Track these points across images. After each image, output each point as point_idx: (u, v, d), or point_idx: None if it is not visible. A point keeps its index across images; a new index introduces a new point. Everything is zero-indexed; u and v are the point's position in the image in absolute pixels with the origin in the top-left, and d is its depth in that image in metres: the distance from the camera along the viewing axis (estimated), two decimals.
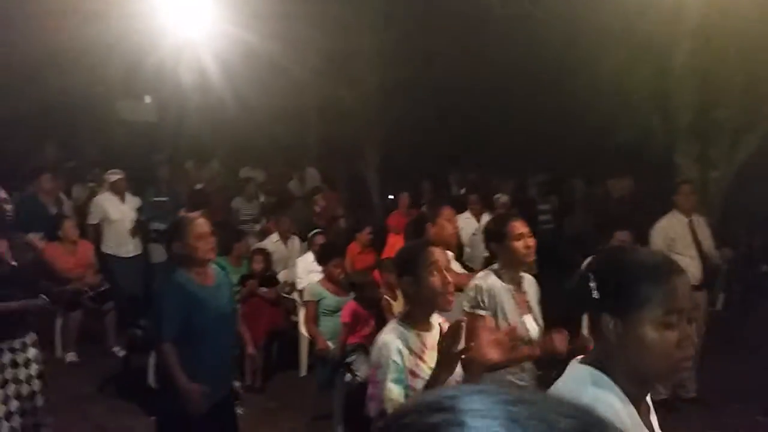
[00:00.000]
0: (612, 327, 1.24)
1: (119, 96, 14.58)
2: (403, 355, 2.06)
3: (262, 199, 7.85)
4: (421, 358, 2.09)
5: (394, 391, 1.97)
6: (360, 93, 8.67)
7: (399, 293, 4.47)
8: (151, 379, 4.42)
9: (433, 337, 2.15)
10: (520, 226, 2.83)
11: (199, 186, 7.45)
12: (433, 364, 2.03)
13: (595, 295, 1.27)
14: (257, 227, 7.17)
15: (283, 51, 7.74)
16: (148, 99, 16.00)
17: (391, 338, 2.12)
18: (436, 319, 2.25)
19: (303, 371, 5.18)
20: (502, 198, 6.85)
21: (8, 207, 3.36)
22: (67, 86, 13.04)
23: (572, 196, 7.61)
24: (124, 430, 4.27)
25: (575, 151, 8.28)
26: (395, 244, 5.58)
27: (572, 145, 8.34)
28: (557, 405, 0.53)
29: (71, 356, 5.38)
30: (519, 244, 2.77)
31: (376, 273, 4.88)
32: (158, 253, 6.39)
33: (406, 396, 1.98)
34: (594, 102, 6.57)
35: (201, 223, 3.02)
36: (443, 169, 9.73)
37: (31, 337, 3.39)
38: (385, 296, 4.42)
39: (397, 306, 4.47)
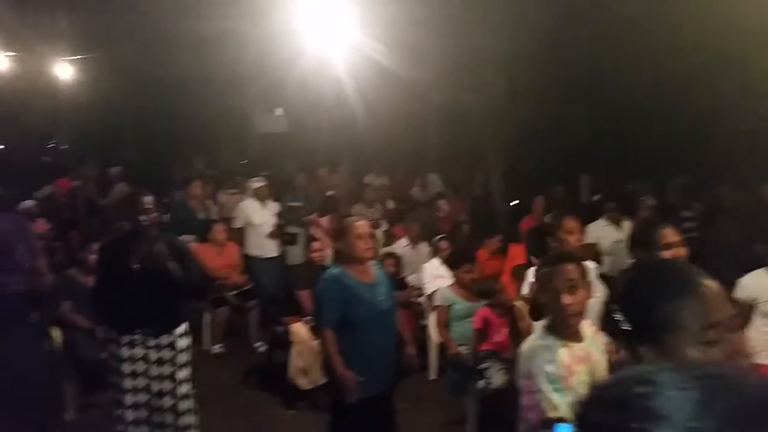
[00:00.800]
0: (652, 358, 1.12)
1: (254, 109, 15.54)
2: (554, 365, 2.04)
3: (390, 204, 8.04)
4: (570, 370, 2.04)
5: (557, 400, 1.95)
6: (485, 97, 8.59)
7: None
8: (291, 373, 4.68)
9: (583, 348, 2.10)
10: (670, 235, 2.67)
11: (330, 192, 7.77)
12: (584, 376, 1.99)
13: (625, 326, 1.17)
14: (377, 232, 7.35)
15: (408, 57, 7.87)
16: (279, 111, 16.95)
17: (538, 347, 2.10)
18: (590, 328, 2.19)
19: (432, 374, 5.23)
20: (649, 201, 6.46)
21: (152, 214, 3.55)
22: (209, 101, 14.15)
23: (718, 202, 7.04)
24: (266, 420, 4.56)
25: (720, 153, 7.68)
26: (517, 253, 5.50)
27: (717, 146, 7.75)
28: (745, 377, 0.60)
29: (218, 349, 5.82)
30: (667, 255, 2.61)
31: (506, 279, 4.85)
32: (294, 255, 6.75)
33: (567, 404, 1.94)
34: (745, 102, 6.06)
35: (361, 225, 3.37)
36: (572, 173, 9.41)
37: (183, 327, 3.62)
38: (518, 303, 4.37)
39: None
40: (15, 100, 11.59)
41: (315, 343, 4.61)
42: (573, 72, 8.36)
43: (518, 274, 4.45)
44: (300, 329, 4.77)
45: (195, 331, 4.22)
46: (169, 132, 12.89)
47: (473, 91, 8.71)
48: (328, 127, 11.75)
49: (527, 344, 2.22)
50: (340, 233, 3.42)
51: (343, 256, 3.37)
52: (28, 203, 6.55)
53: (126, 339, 3.37)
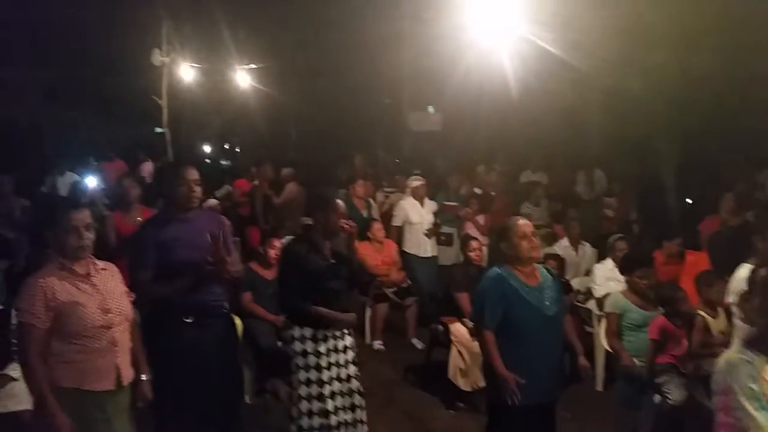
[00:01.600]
0: None
1: (408, 108, 15.77)
2: (756, 381, 1.82)
3: (546, 203, 7.74)
4: None
5: (760, 419, 1.74)
6: (657, 81, 7.86)
7: (720, 311, 3.98)
8: (451, 373, 4.68)
9: None
10: None
11: (483, 190, 7.64)
12: None
13: None
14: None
15: (572, 40, 7.41)
16: (431, 109, 17.06)
17: (739, 362, 1.91)
18: None
19: (599, 385, 4.94)
20: None
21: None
22: (366, 102, 14.65)
23: None
24: (428, 419, 4.58)
25: None
26: (698, 258, 4.97)
27: None
28: None
29: (378, 344, 5.99)
30: None
31: (685, 285, 4.42)
32: (446, 256, 6.75)
33: None
34: None
35: (525, 224, 3.26)
36: (754, 166, 8.35)
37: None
38: (701, 313, 3.97)
39: (716, 325, 3.97)
40: (198, 107, 12.95)
41: (475, 344, 4.57)
42: (759, 50, 7.37)
43: (704, 282, 4.04)
44: (460, 329, 4.75)
45: (357, 327, 4.39)
46: (331, 132, 13.56)
47: (643, 75, 8.01)
48: (482, 124, 11.59)
49: (725, 358, 2.04)
50: (502, 233, 3.32)
51: (507, 257, 3.27)
52: (211, 201, 7.22)
53: (321, 334, 3.53)
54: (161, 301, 3.18)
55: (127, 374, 2.76)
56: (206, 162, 13.77)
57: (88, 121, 32.43)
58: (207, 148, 22.63)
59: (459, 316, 4.83)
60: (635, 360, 3.98)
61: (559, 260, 5.44)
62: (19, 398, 3.46)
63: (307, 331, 3.55)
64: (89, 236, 2.67)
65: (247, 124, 16.12)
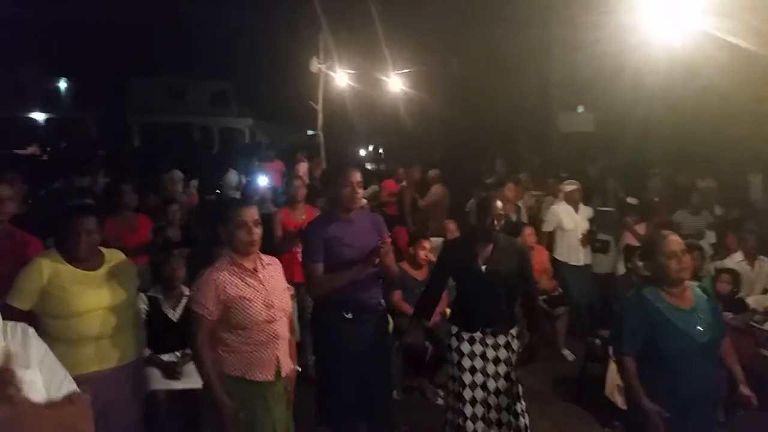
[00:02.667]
0: None
1: (557, 108, 15.22)
2: None
3: (718, 211, 7.04)
4: None
5: None
6: None
7: None
8: (608, 390, 4.44)
9: None
10: None
11: (644, 197, 7.13)
12: None
13: None
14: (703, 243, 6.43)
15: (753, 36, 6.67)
16: (581, 109, 16.32)
17: None
18: None
19: None
20: None
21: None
22: (513, 102, 14.35)
23: None
24: None
25: None
26: None
27: None
28: None
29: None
30: None
31: None
32: (601, 264, 6.41)
33: None
34: None
35: (673, 241, 2.91)
36: None
37: (516, 329, 3.68)
38: None
39: None
40: (350, 110, 13.52)
41: None
42: None
43: None
44: None
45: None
46: (476, 134, 13.47)
47: None
48: (641, 125, 10.86)
49: None
50: (648, 250, 2.99)
51: (653, 277, 2.95)
52: (362, 201, 7.48)
53: (467, 335, 3.56)
54: (322, 298, 3.36)
55: (286, 366, 2.94)
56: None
57: (251, 125, 35.37)
58: (361, 151, 23.58)
59: None
60: None
61: (734, 275, 4.94)
62: (194, 378, 3.81)
63: (454, 328, 3.65)
64: (257, 232, 2.85)
65: (393, 127, 16.51)
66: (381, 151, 27.69)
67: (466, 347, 3.56)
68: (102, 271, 3.05)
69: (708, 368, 2.88)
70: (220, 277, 2.76)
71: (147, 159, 15.88)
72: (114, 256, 3.17)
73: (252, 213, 2.86)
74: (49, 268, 2.91)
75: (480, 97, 13.59)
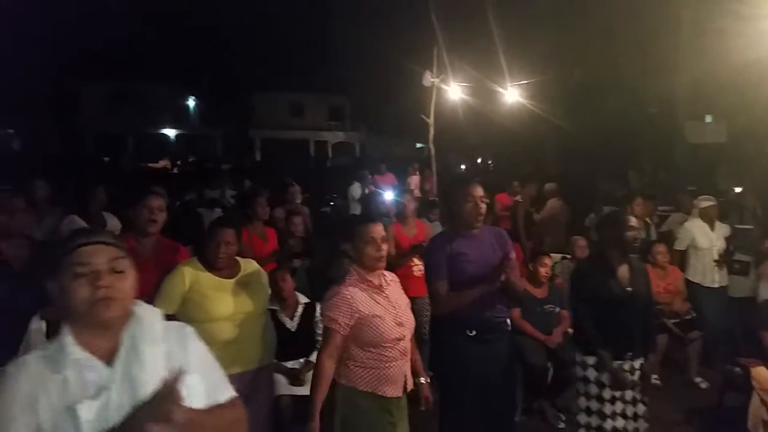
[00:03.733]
0: None
1: (684, 117, 14.29)
2: None
3: None
4: None
5: None
6: None
7: None
8: (750, 423, 4.05)
9: None
10: None
11: None
12: None
13: None
14: None
15: None
16: (709, 119, 15.19)
17: None
18: None
19: None
20: None
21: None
22: (633, 113, 13.64)
23: None
24: None
25: None
26: None
27: None
28: None
29: (653, 378, 5.45)
30: None
31: None
32: (739, 287, 5.87)
33: None
34: None
35: None
36: None
37: (641, 361, 3.46)
38: None
39: None
40: (462, 123, 13.49)
41: None
42: None
43: None
44: (764, 375, 4.09)
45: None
46: (593, 146, 12.94)
47: None
48: None
49: None
50: None
51: None
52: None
53: (591, 360, 3.40)
54: (444, 315, 3.32)
55: (410, 381, 2.94)
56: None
57: (362, 138, 36.38)
58: (462, 165, 23.48)
59: (764, 358, 4.16)
60: None
61: None
62: None
63: (590, 359, 3.42)
64: (385, 248, 2.89)
65: (506, 139, 16.26)
66: (490, 162, 27.33)
67: (607, 379, 3.37)
68: (238, 279, 3.24)
69: None
70: (353, 294, 2.80)
71: (267, 172, 16.77)
72: (249, 266, 3.35)
73: (380, 229, 2.90)
74: (190, 275, 3.13)
75: (600, 107, 13.05)
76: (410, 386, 2.93)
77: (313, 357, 3.99)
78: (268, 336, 3.38)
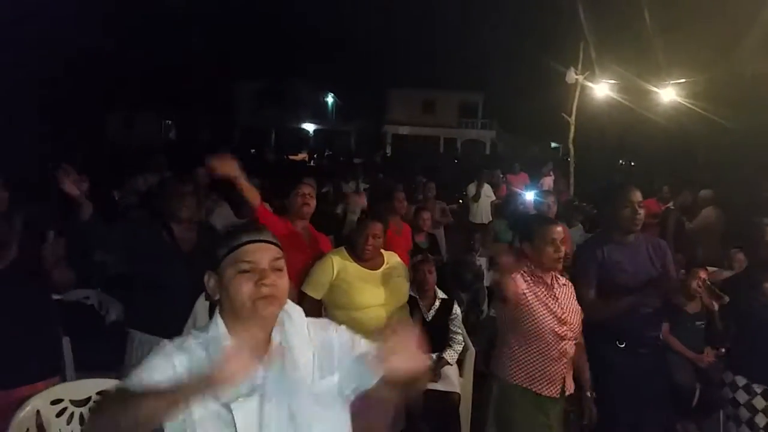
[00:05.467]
0: None
1: None
2: None
3: None
4: None
5: None
6: None
7: None
8: None
9: None
10: None
11: None
12: None
13: None
14: None
15: None
16: None
17: None
18: None
19: None
20: None
21: None
22: None
23: None
24: None
25: None
26: None
27: None
28: None
29: None
30: None
31: None
32: None
33: None
34: None
35: None
36: None
37: None
38: None
39: None
40: (607, 123, 12.86)
41: None
42: None
43: None
44: None
45: None
46: (759, 149, 11.69)
47: None
48: None
49: None
50: None
51: None
52: None
53: (760, 388, 3.12)
54: (595, 324, 3.18)
55: (570, 386, 2.89)
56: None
57: (494, 136, 35.87)
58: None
59: None
60: None
61: None
62: (450, 381, 3.94)
63: (740, 380, 3.15)
64: (563, 249, 2.87)
65: (654, 140, 15.21)
66: (632, 164, 25.76)
67: (760, 403, 3.08)
68: (382, 270, 3.34)
69: None
70: (521, 282, 2.81)
71: (398, 168, 17.04)
72: (392, 258, 3.44)
73: (560, 231, 2.90)
74: (338, 264, 3.28)
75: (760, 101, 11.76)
76: (569, 390, 2.89)
77: (447, 354, 4.02)
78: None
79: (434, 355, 4.17)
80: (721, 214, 7.28)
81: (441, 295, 4.40)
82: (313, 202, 3.61)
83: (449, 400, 3.85)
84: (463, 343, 4.10)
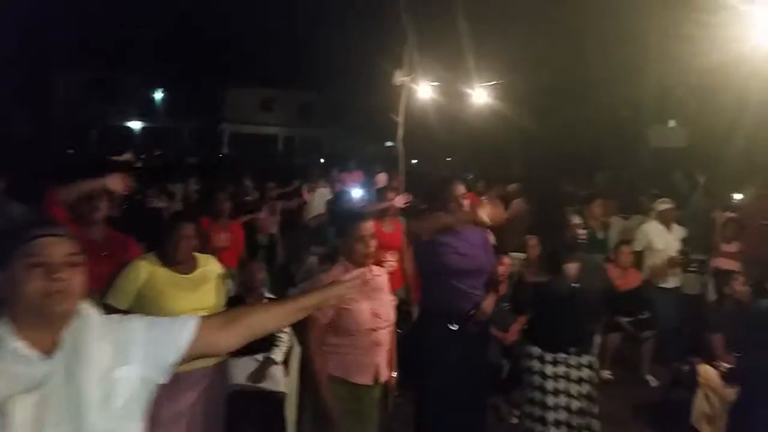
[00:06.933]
0: None
1: (649, 122, 14.59)
2: None
3: None
4: None
5: None
6: None
7: None
8: (694, 418, 4.21)
9: None
10: None
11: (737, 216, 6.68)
12: None
13: None
14: None
15: None
16: (672, 123, 15.55)
17: None
18: None
19: None
20: None
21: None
22: (599, 117, 13.87)
23: None
24: None
25: None
26: None
27: None
28: None
29: (606, 374, 5.62)
30: None
31: None
32: (693, 285, 6.13)
33: None
34: None
35: None
36: None
37: (591, 358, 3.58)
38: None
39: None
40: (430, 123, 13.56)
41: (727, 391, 4.07)
42: None
43: None
44: (710, 372, 4.25)
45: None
46: (561, 148, 13.14)
47: None
48: (744, 142, 10.24)
49: None
50: None
51: None
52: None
53: (551, 356, 3.49)
54: (426, 308, 3.46)
55: (385, 373, 3.04)
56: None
57: (333, 136, 36.25)
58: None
59: (709, 357, 4.33)
60: None
61: None
62: (275, 381, 3.95)
63: (536, 350, 3.52)
64: (374, 244, 3.00)
65: (474, 140, 16.42)
66: (449, 159, 27.42)
67: (550, 369, 3.46)
68: (195, 275, 3.22)
69: None
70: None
71: (233, 167, 16.58)
72: (207, 261, 3.33)
73: (370, 226, 3.02)
74: (146, 271, 3.10)
75: (569, 110, 13.26)
76: (383, 378, 3.03)
77: (274, 354, 4.02)
78: None
79: (261, 356, 4.16)
80: (527, 206, 8.07)
81: (269, 295, 4.39)
82: (105, 206, 3.40)
83: (274, 399, 3.87)
84: (289, 342, 4.12)
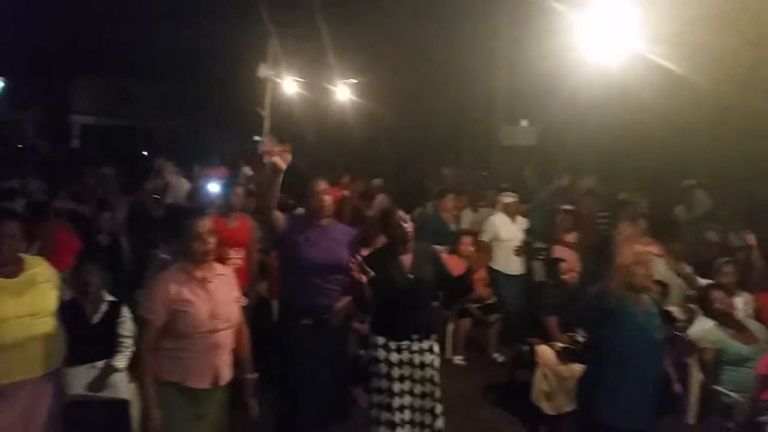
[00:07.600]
0: None
1: (502, 121, 15.53)
2: None
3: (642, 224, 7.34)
4: None
5: None
6: None
7: None
8: (534, 396, 4.57)
9: None
10: None
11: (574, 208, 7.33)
12: None
13: None
14: None
15: (687, 57, 7.04)
16: (524, 123, 16.69)
17: None
18: None
19: (691, 418, 4.63)
20: None
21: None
22: (457, 116, 14.55)
23: None
24: None
25: None
26: None
27: None
28: None
29: (458, 359, 5.95)
30: None
31: None
32: (540, 272, 6.63)
33: None
34: None
35: (643, 251, 3.18)
36: None
37: (432, 342, 3.70)
38: None
39: None
40: (298, 118, 13.51)
41: (562, 368, 4.45)
42: None
43: None
44: (547, 352, 4.64)
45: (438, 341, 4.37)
46: (420, 145, 13.62)
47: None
48: (583, 140, 11.25)
49: None
50: (624, 258, 3.17)
51: (623, 283, 3.15)
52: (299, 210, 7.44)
53: (395, 344, 3.59)
54: (284, 303, 3.50)
55: (226, 375, 2.95)
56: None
57: (197, 130, 34.63)
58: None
59: (546, 338, 4.73)
60: (735, 395, 3.74)
61: (663, 286, 5.17)
62: (117, 389, 3.77)
63: (380, 340, 3.62)
64: (212, 242, 2.89)
65: (340, 135, 16.54)
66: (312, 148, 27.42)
67: (395, 357, 3.57)
68: (22, 278, 2.96)
69: (657, 366, 3.21)
70: (168, 284, 2.81)
71: (84, 161, 15.32)
72: (36, 264, 3.07)
73: (207, 224, 2.92)
74: None
75: (427, 108, 13.78)
76: (224, 380, 2.94)
77: (116, 360, 3.81)
78: (56, 339, 3.12)
79: (102, 362, 3.91)
80: (390, 201, 8.28)
81: (108, 297, 4.12)
82: None
83: (117, 407, 3.67)
84: (132, 348, 3.90)
